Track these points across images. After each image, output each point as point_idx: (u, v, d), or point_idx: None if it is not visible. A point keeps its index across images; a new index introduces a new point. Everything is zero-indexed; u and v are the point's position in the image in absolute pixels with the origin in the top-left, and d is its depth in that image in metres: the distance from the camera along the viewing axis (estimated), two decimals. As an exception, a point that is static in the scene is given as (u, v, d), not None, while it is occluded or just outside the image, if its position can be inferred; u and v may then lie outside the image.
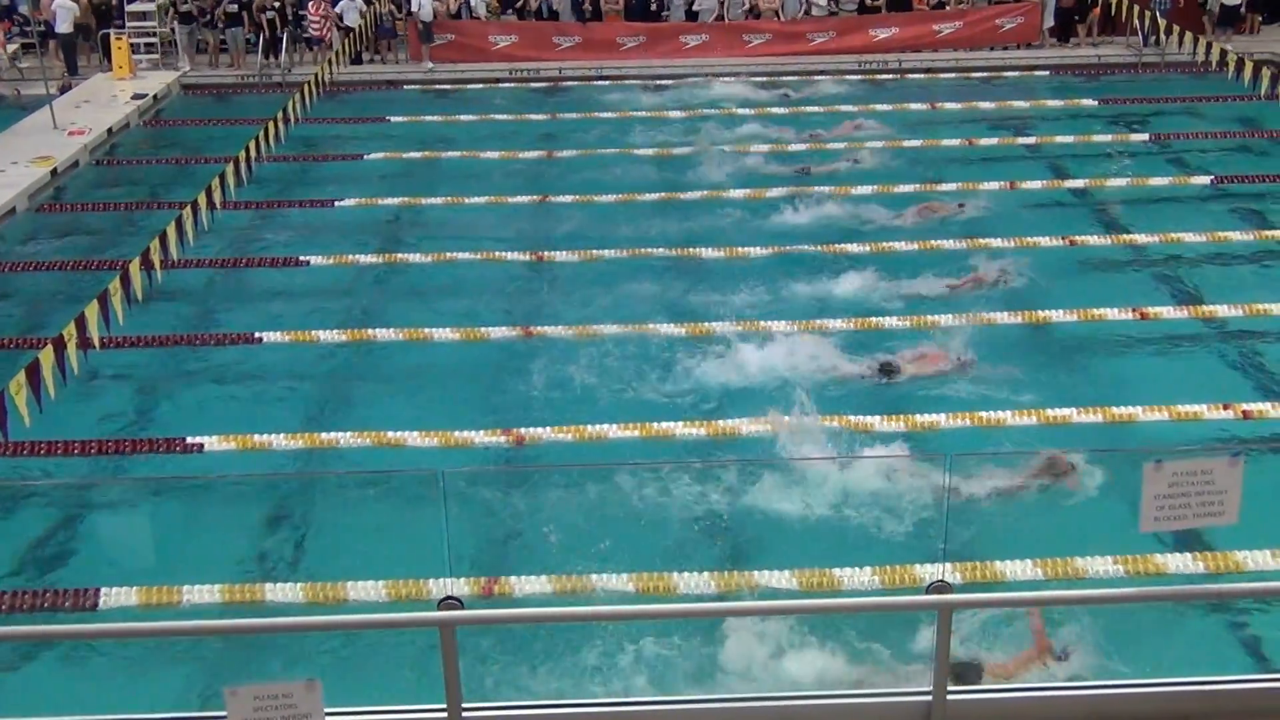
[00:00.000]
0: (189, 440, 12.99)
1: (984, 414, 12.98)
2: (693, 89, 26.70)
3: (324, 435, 13.15)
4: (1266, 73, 23.66)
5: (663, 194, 20.21)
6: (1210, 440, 12.40)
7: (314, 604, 10.45)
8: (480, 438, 12.98)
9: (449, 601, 5.89)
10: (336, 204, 20.19)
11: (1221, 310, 15.28)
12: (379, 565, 10.73)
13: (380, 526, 11.55)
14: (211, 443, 12.92)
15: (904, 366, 13.96)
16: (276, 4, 27.92)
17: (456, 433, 12.98)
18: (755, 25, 28.86)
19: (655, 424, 13.02)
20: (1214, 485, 5.55)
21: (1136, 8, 27.62)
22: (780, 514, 11.47)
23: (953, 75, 27.27)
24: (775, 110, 24.84)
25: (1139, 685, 5.89)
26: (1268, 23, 29.97)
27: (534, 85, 27.76)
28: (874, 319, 15.33)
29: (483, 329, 15.43)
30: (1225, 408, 12.99)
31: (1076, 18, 29.10)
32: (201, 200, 17.28)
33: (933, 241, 17.68)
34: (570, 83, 27.76)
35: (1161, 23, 27.06)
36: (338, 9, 28.16)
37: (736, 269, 17.21)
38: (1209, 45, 25.72)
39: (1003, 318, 15.21)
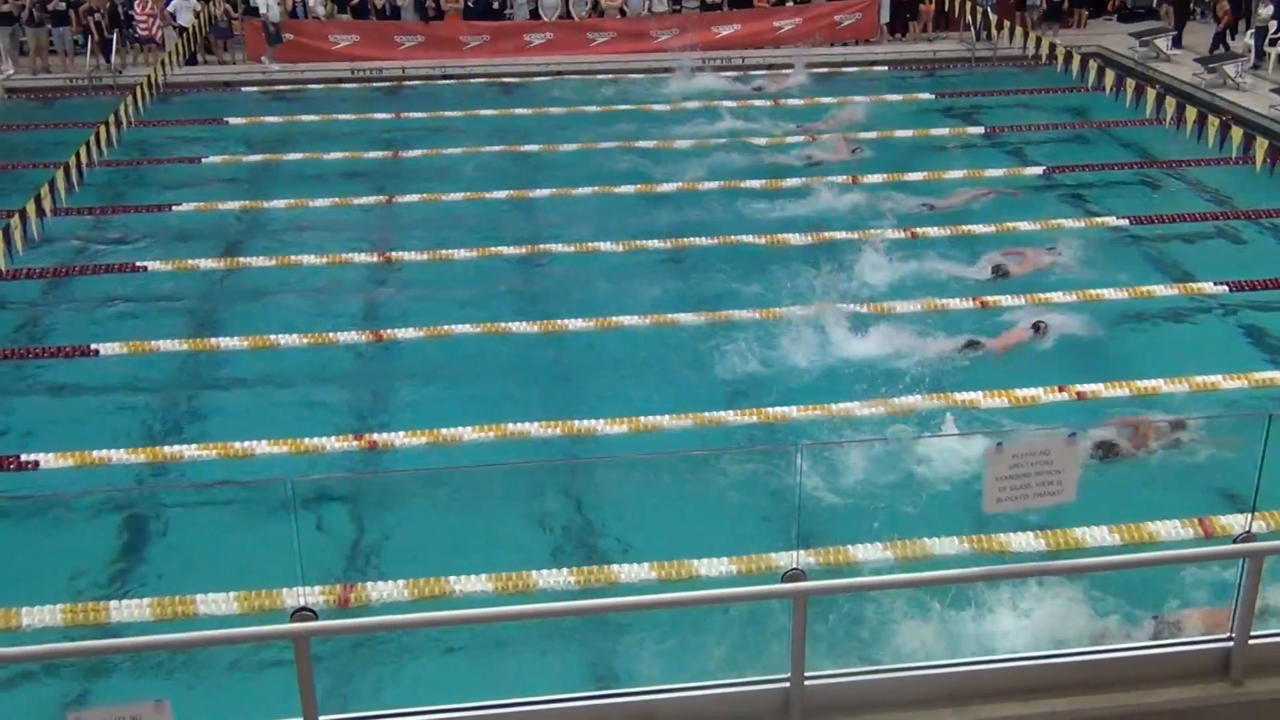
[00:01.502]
0: (23, 458, 12.50)
1: (835, 406, 13.22)
2: (539, 86, 26.70)
3: (167, 448, 12.77)
4: (1094, 65, 24.59)
5: (512, 191, 20.14)
6: (1046, 423, 12.80)
7: (162, 620, 10.16)
8: (332, 444, 12.74)
9: (302, 613, 5.77)
10: (174, 208, 19.62)
11: (1056, 297, 15.79)
12: (230, 578, 10.47)
13: (230, 538, 11.25)
14: (48, 459, 12.45)
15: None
16: (106, 3, 27.01)
17: (307, 440, 12.72)
18: (599, 24, 28.93)
19: (510, 425, 12.95)
20: (1053, 465, 5.74)
21: (969, 4, 28.45)
22: (637, 507, 11.55)
23: (795, 70, 27.65)
24: (621, 107, 24.98)
25: (988, 662, 6.05)
26: (1093, 17, 31.16)
27: (377, 85, 27.39)
28: (722, 313, 15.49)
29: (331, 333, 15.16)
30: (1060, 390, 13.44)
31: (908, 15, 29.85)
32: (30, 208, 16.64)
33: (779, 236, 17.94)
34: (414, 82, 27.46)
35: (992, 18, 27.93)
36: (170, 8, 27.38)
37: (589, 265, 17.25)
38: (1038, 40, 26.64)
39: (851, 309, 15.47)
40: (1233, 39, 27.80)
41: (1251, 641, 5.97)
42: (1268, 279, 16.20)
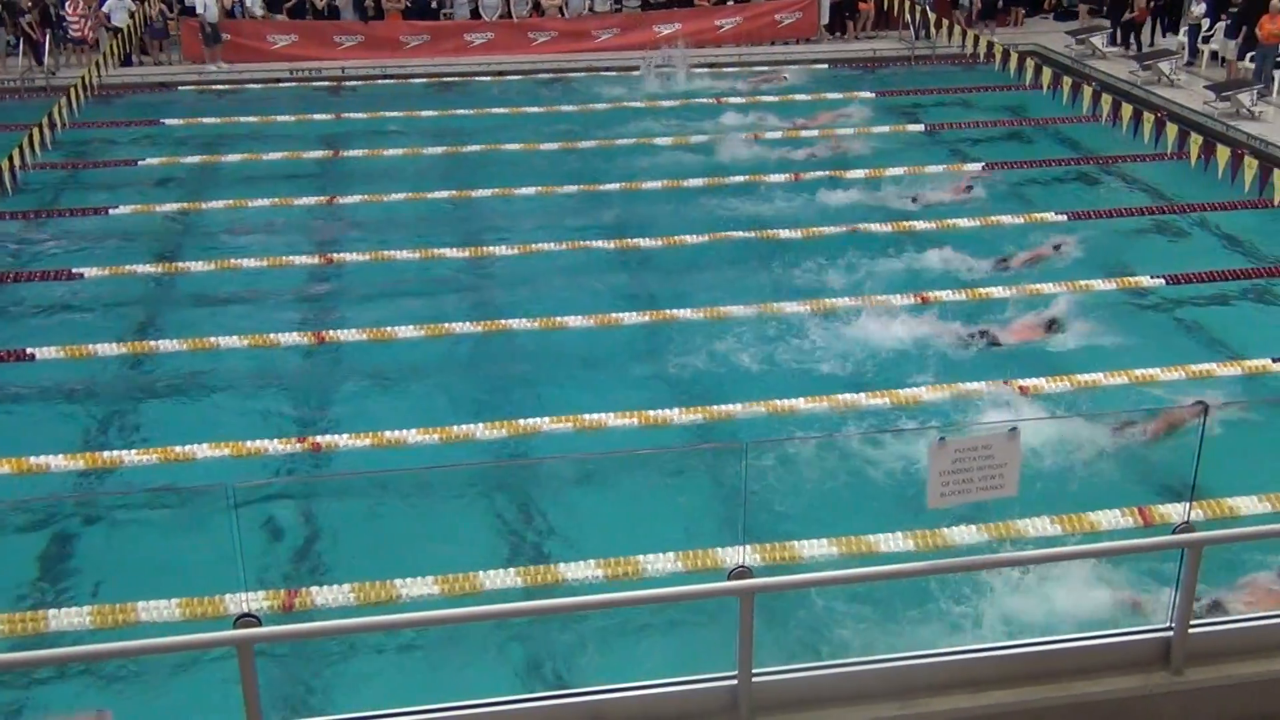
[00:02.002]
0: (-43, 465, 12.28)
1: (781, 403, 13.27)
2: (480, 86, 26.63)
3: (106, 453, 12.58)
4: (1030, 63, 24.88)
5: (454, 192, 20.06)
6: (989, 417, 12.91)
7: (102, 629, 10.01)
8: (274, 447, 12.61)
9: (245, 619, 5.72)
10: (111, 211, 19.34)
11: (996, 292, 15.94)
12: (172, 584, 10.33)
13: (171, 544, 11.10)
14: (-17, 467, 12.25)
15: None
16: (38, 4, 26.59)
17: (249, 443, 12.59)
18: (540, 23, 28.88)
19: (455, 427, 12.89)
20: (995, 459, 5.79)
21: (907, 2, 28.69)
22: (583, 506, 11.54)
23: (736, 69, 27.77)
24: (564, 108, 24.96)
25: (933, 655, 6.09)
26: (1030, 15, 31.52)
27: (316, 85, 27.17)
28: (667, 312, 15.51)
29: (272, 335, 15.00)
30: (1006, 383, 13.56)
31: (847, 14, 30.04)
32: (-38, 212, 16.35)
33: (721, 233, 18.00)
34: (354, 82, 27.28)
35: (931, 16, 28.18)
36: (105, 9, 27.00)
37: (532, 265, 17.21)
38: (975, 38, 26.92)
39: (791, 307, 15.53)
40: (1164, 35, 28.31)
41: (1191, 631, 6.05)
42: (1203, 272, 16.45)
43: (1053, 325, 14.78)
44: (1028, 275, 16.43)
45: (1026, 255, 16.96)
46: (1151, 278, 16.33)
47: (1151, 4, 28.16)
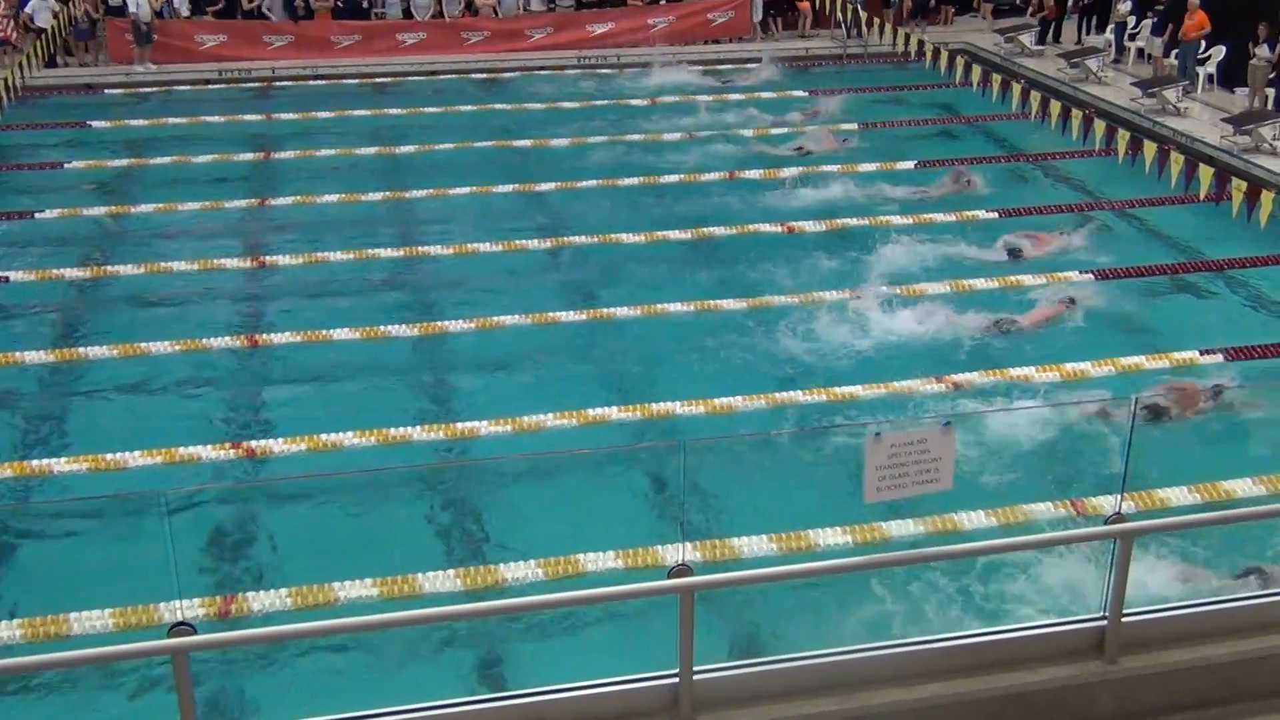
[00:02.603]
0: (-120, 477, 12.01)
1: (719, 401, 13.30)
2: (413, 86, 26.49)
3: (35, 462, 12.36)
4: (961, 61, 25.14)
5: (388, 193, 19.93)
6: (927, 412, 13.04)
7: (33, 641, 9.82)
8: (208, 453, 12.46)
9: (180, 628, 5.64)
10: (36, 215, 19.01)
11: (931, 288, 16.08)
12: (105, 594, 10.17)
13: (104, 553, 10.92)
14: (-93, 478, 11.99)
15: None
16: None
17: (182, 449, 12.42)
18: (473, 23, 28.75)
19: (392, 429, 12.80)
20: (930, 454, 5.83)
21: (839, 1, 28.90)
22: (522, 507, 11.51)
23: (669, 69, 27.79)
24: (498, 107, 24.90)
25: (870, 649, 6.13)
26: (960, 14, 31.85)
27: (246, 86, 26.86)
28: (602, 310, 15.51)
29: (204, 340, 14.79)
30: (939, 380, 13.70)
31: (773, 13, 30.19)
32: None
33: (659, 233, 18.03)
34: (284, 83, 27.00)
35: (863, 15, 28.40)
36: (28, 9, 26.52)
37: (467, 265, 17.14)
38: (907, 36, 27.17)
39: (728, 304, 15.59)
40: (1089, 34, 28.79)
41: (1124, 620, 6.14)
42: (1130, 266, 16.71)
43: (1000, 324, 14.96)
44: (963, 271, 16.59)
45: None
46: (1080, 273, 16.56)
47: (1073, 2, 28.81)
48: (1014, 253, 17.16)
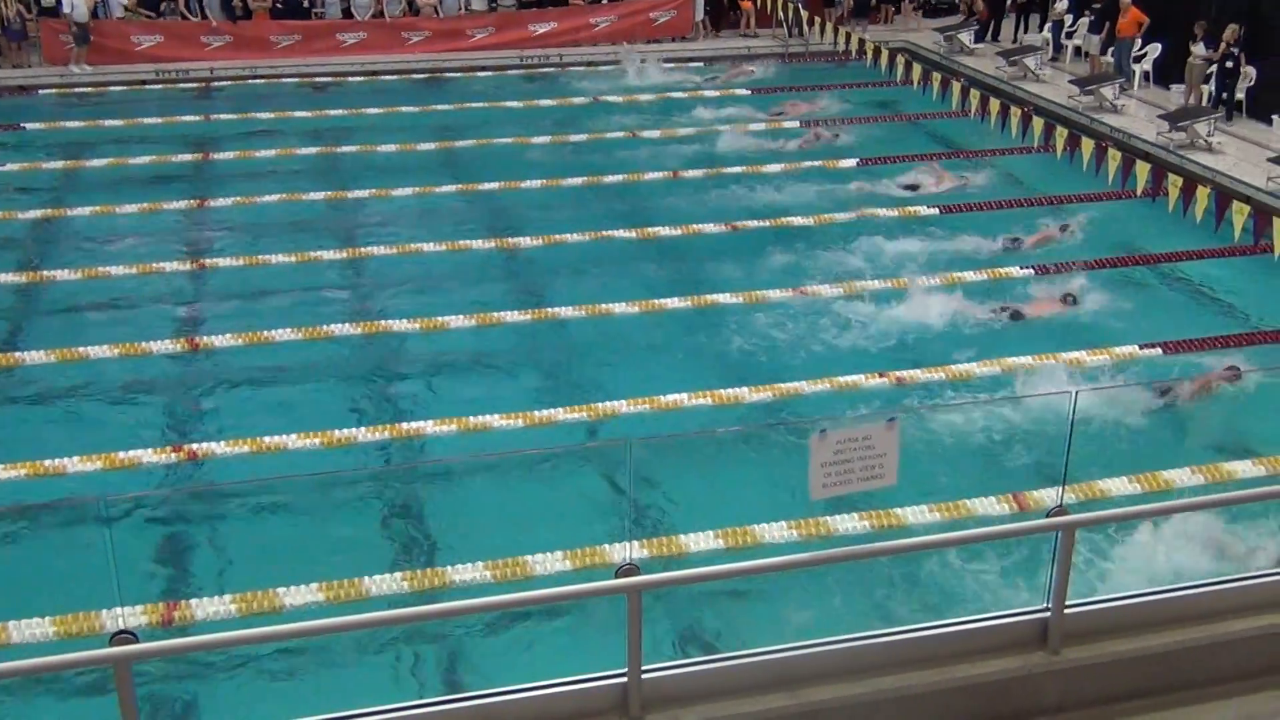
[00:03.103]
0: None
1: (664, 398, 13.33)
2: (354, 87, 26.31)
3: (-30, 469, 12.16)
4: (901, 60, 25.33)
5: (329, 193, 19.78)
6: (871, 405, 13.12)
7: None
8: (149, 457, 12.29)
9: (122, 636, 5.56)
10: (-30, 219, 18.71)
11: (874, 285, 16.19)
12: (44, 602, 10.00)
13: (43, 561, 10.76)
14: None
15: None
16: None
17: (121, 454, 12.25)
18: (414, 23, 28.58)
19: (336, 431, 12.69)
20: (874, 449, 5.87)
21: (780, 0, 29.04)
22: (467, 509, 11.47)
23: (611, 68, 27.79)
24: (439, 107, 24.79)
25: (817, 645, 6.16)
26: (898, 13, 32.08)
27: (184, 86, 26.55)
28: (547, 310, 15.48)
29: (143, 343, 14.59)
30: (881, 375, 13.78)
31: (709, 11, 30.25)
32: None
33: (603, 233, 18.03)
34: (223, 83, 26.71)
35: (804, 14, 28.55)
36: (-42, 10, 26.09)
37: (410, 265, 17.04)
38: (848, 35, 27.34)
39: (673, 303, 15.61)
40: (1027, 32, 29.14)
41: (1067, 611, 6.21)
42: (1070, 261, 16.89)
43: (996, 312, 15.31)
44: (899, 269, 16.70)
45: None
46: (1020, 268, 16.74)
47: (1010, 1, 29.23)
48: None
